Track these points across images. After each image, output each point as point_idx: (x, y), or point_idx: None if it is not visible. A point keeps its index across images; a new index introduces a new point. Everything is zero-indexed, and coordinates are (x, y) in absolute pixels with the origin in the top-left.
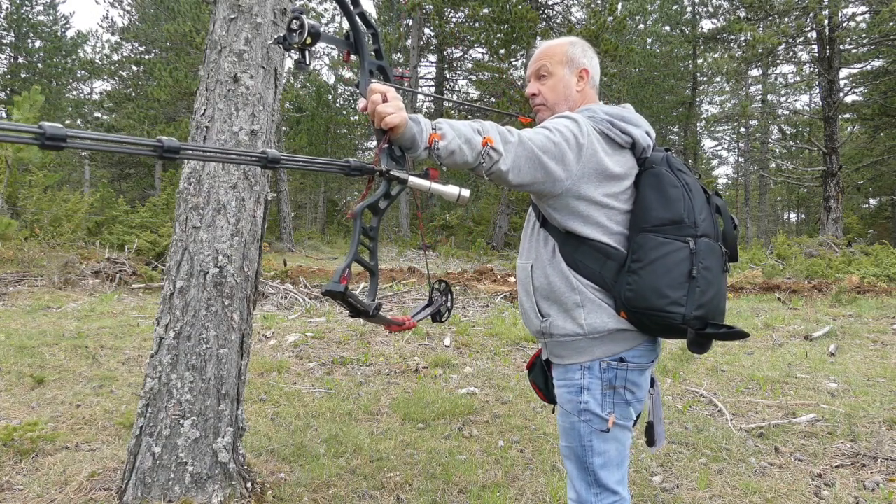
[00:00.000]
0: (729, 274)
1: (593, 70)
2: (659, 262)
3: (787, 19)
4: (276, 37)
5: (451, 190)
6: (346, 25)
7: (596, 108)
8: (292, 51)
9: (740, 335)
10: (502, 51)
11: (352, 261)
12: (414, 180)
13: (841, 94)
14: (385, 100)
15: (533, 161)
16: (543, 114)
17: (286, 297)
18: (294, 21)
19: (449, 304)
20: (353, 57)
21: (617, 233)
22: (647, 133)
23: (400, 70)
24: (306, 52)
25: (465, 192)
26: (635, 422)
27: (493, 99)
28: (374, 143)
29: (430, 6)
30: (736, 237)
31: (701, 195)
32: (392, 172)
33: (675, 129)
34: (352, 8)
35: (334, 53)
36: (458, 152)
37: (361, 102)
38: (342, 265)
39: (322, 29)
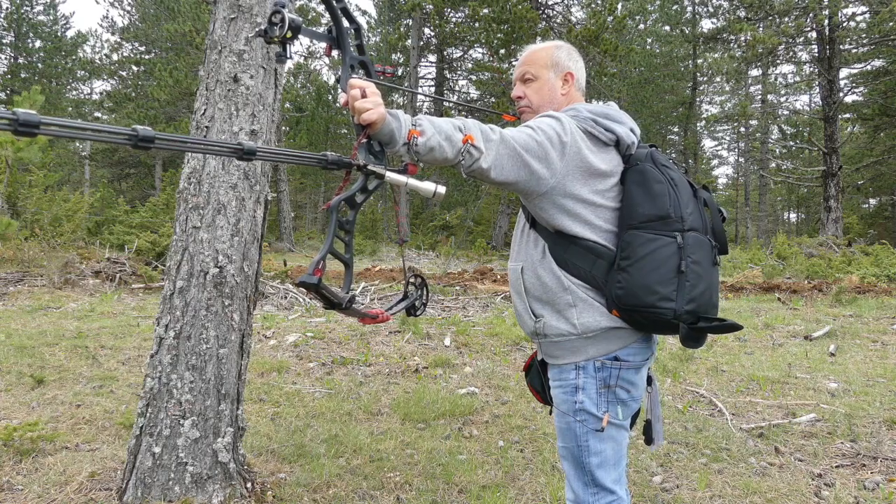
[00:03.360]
0: (720, 266)
1: (578, 73)
2: (648, 259)
3: (787, 19)
4: (256, 30)
5: (427, 186)
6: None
7: (580, 108)
8: (273, 44)
9: (733, 328)
10: (502, 51)
11: (326, 253)
12: (391, 175)
13: (841, 94)
14: (364, 95)
15: (515, 159)
16: (528, 116)
17: (286, 297)
18: (275, 14)
19: (424, 299)
20: (334, 52)
21: (606, 231)
22: (632, 130)
23: (382, 66)
24: (287, 46)
25: (441, 189)
26: (633, 421)
27: (493, 99)
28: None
29: (430, 6)
30: (725, 230)
31: (687, 189)
32: (369, 167)
33: (675, 129)
34: (334, 2)
35: (335, 53)
36: (438, 149)
37: (342, 97)
38: (317, 257)
39: (303, 22)
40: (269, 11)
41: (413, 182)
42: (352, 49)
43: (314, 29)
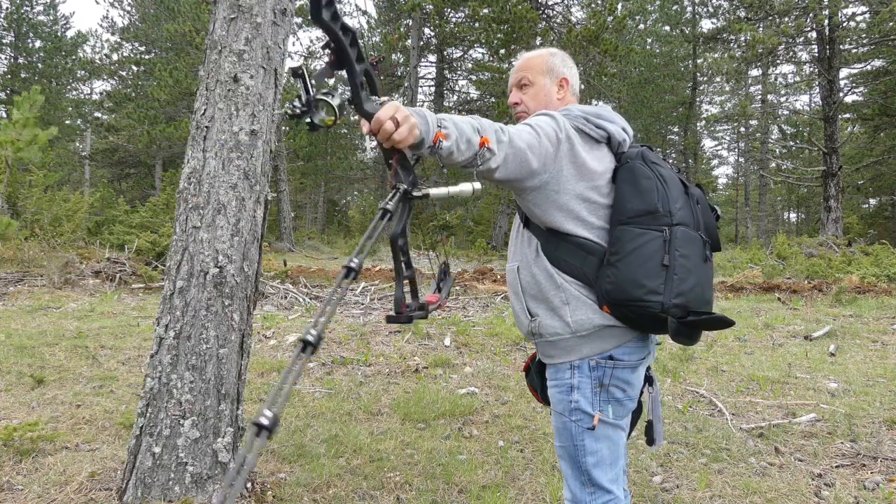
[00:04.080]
0: (712, 263)
1: (573, 79)
2: (635, 253)
3: (787, 19)
4: (283, 109)
5: (466, 188)
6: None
7: (572, 108)
8: (304, 119)
9: (723, 322)
10: (502, 51)
11: (402, 286)
12: (433, 192)
13: (841, 94)
14: (397, 124)
15: (519, 158)
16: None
17: (286, 297)
18: (297, 99)
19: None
20: (340, 72)
21: (598, 227)
22: (623, 129)
23: (375, 55)
24: (315, 115)
25: (478, 186)
26: (635, 421)
27: (493, 99)
28: (373, 143)
29: (430, 6)
30: (718, 227)
31: (678, 186)
32: (414, 193)
33: (675, 129)
34: (330, 23)
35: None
36: (457, 152)
37: (365, 125)
38: (398, 294)
39: (325, 86)
40: (289, 74)
41: (453, 189)
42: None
43: (322, 67)
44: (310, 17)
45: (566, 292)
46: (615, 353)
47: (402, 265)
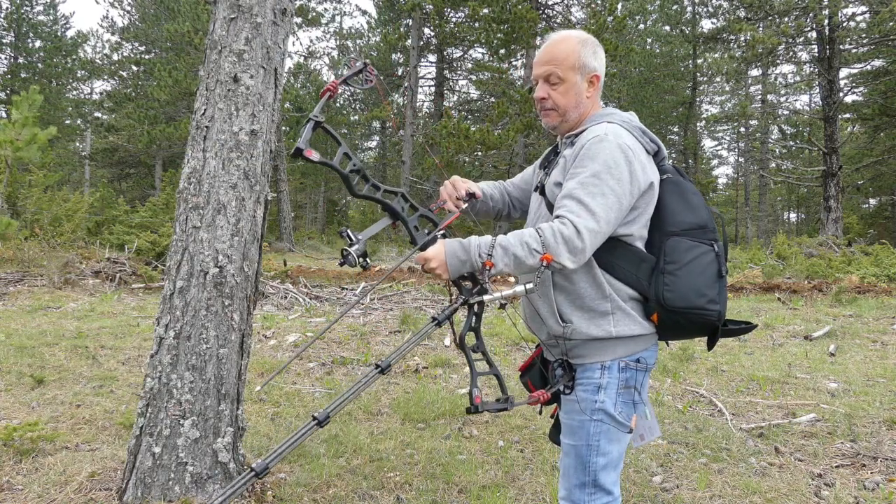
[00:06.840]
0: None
1: (602, 73)
2: (693, 264)
3: (787, 19)
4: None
5: (519, 289)
6: (346, 26)
7: (626, 117)
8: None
9: (750, 328)
10: (502, 51)
11: (476, 381)
12: (487, 298)
13: (841, 94)
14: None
15: (604, 236)
16: (553, 119)
17: (286, 297)
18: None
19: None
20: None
21: (644, 237)
22: None
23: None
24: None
25: (530, 286)
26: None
27: (492, 99)
28: (373, 143)
29: (430, 6)
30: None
31: None
32: (471, 301)
33: (675, 129)
34: (378, 195)
35: (334, 53)
36: (513, 271)
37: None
38: (471, 389)
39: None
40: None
41: (507, 292)
42: (408, 215)
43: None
44: (310, 16)
45: (613, 302)
46: (642, 356)
47: (480, 363)
